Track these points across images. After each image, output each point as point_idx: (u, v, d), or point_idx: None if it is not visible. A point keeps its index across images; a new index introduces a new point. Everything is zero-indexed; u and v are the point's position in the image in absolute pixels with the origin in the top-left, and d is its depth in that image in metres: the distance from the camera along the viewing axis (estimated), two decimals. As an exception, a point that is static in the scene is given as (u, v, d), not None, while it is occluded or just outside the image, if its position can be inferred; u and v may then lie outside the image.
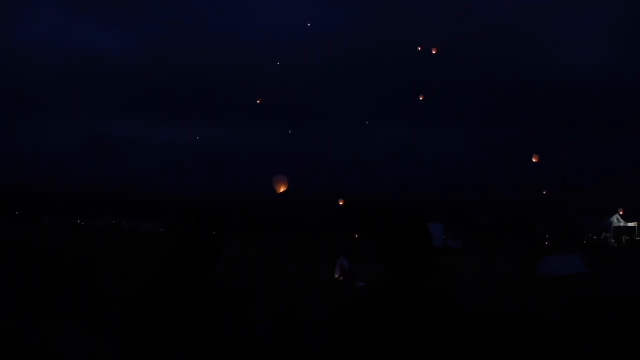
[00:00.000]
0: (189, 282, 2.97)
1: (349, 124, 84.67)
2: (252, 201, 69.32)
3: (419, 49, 41.18)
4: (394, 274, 2.15)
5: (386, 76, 73.43)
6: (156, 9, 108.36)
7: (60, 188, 74.14)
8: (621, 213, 48.97)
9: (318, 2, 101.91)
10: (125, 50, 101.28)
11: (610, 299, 13.00)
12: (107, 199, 76.07)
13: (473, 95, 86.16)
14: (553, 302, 13.28)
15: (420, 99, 45.87)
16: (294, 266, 21.69)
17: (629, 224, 51.98)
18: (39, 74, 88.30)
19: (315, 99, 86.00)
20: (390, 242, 2.17)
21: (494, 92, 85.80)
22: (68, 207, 70.40)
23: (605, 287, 15.68)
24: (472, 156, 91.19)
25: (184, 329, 2.80)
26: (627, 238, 47.86)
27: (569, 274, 18.77)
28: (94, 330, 8.55)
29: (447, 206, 66.10)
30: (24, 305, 10.53)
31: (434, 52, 38.57)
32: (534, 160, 37.59)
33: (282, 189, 23.17)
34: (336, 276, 17.59)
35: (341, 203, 41.60)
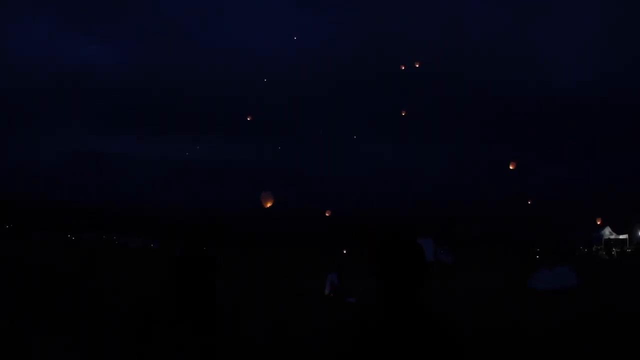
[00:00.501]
0: (188, 299, 2.92)
1: (337, 139, 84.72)
2: (239, 217, 69.17)
3: (402, 67, 41.52)
4: (387, 288, 2.15)
5: (375, 92, 73.76)
6: (143, 24, 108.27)
7: (51, 203, 73.50)
8: (599, 222, 48.91)
9: (305, 16, 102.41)
10: (113, 65, 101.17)
11: (602, 314, 12.94)
12: (97, 214, 75.57)
13: (463, 111, 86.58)
14: (545, 317, 13.20)
15: (403, 114, 46.23)
16: (285, 283, 21.56)
17: (621, 237, 52.16)
18: (26, 87, 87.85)
19: (303, 115, 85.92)
20: (385, 256, 2.16)
21: (483, 109, 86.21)
22: (59, 222, 69.89)
23: (597, 300, 15.62)
24: (462, 172, 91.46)
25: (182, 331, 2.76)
26: (618, 250, 47.94)
27: (560, 287, 18.71)
28: (86, 345, 8.44)
29: (438, 221, 66.10)
30: (18, 321, 10.42)
31: (417, 65, 38.81)
32: (510, 167, 37.72)
33: (268, 204, 24.26)
34: (326, 292, 17.52)
35: (328, 214, 41.62)
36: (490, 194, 74.01)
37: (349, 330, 2.14)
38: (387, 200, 78.19)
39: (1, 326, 9.78)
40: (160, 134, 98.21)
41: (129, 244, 60.06)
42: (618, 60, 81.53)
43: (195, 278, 5.41)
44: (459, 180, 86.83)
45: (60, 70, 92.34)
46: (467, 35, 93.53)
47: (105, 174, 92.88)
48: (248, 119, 46.20)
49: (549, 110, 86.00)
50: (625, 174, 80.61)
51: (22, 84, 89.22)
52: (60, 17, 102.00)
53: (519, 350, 9.13)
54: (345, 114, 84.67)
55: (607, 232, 52.57)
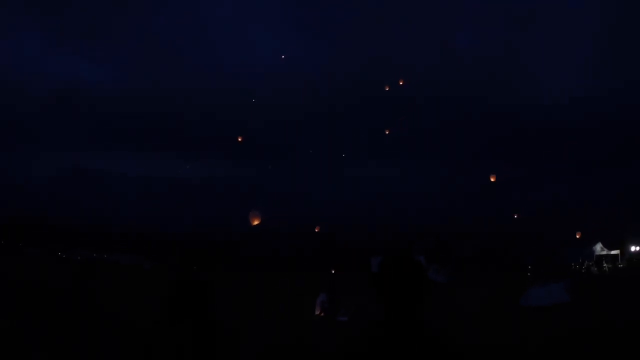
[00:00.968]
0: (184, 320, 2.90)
1: (325, 160, 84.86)
2: (228, 238, 69.02)
3: (387, 88, 41.89)
4: (390, 305, 2.20)
5: (364, 113, 74.08)
6: (135, 43, 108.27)
7: (42, 220, 72.98)
8: (578, 236, 48.89)
9: (295, 38, 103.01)
10: (104, 83, 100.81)
11: (594, 329, 12.91)
12: (89, 232, 75.12)
13: (453, 131, 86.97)
14: (538, 333, 13.18)
15: (387, 132, 46.53)
16: (276, 303, 21.51)
17: (612, 252, 52.15)
18: (17, 104, 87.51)
19: (292, 135, 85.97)
20: (387, 276, 2.21)
21: (472, 127, 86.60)
22: (51, 239, 69.42)
23: (589, 316, 15.60)
24: (452, 190, 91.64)
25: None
26: (610, 266, 47.95)
27: (552, 303, 18.68)
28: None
29: (429, 239, 66.06)
30: (10, 335, 10.45)
31: (401, 83, 39.10)
32: (491, 179, 37.87)
33: (255, 222, 25.63)
34: (317, 312, 17.47)
35: (317, 230, 41.71)
36: (481, 212, 74.10)
37: (355, 347, 2.17)
38: (379, 219, 78.13)
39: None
40: (153, 151, 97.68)
41: (121, 262, 59.73)
42: (611, 76, 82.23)
43: (191, 303, 5.38)
44: (450, 198, 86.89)
45: (51, 86, 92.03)
46: (458, 54, 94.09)
47: (97, 192, 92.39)
48: (239, 139, 46.31)
49: (540, 127, 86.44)
50: (616, 190, 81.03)
51: (13, 100, 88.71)
52: (51, 33, 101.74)
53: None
54: (336, 134, 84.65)
55: (599, 248, 52.55)
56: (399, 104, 73.45)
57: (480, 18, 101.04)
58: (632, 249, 53.54)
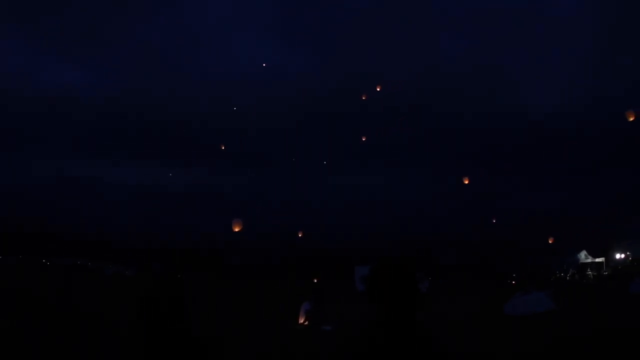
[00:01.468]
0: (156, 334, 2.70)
1: (309, 169, 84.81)
2: (211, 246, 68.77)
3: (363, 97, 41.75)
4: (387, 312, 2.24)
5: (347, 120, 73.69)
6: (120, 50, 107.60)
7: (25, 227, 72.02)
8: (551, 242, 48.65)
9: (278, 47, 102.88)
10: (92, 90, 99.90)
11: (578, 338, 12.65)
12: (72, 238, 74.27)
13: (437, 140, 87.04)
14: (521, 342, 12.94)
15: (363, 139, 46.49)
16: (260, 312, 21.35)
17: (597, 260, 52.14)
18: (3, 111, 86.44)
19: (274, 143, 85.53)
20: (386, 280, 2.27)
21: (457, 136, 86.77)
22: (33, 246, 68.53)
23: (573, 324, 15.39)
24: (436, 199, 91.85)
25: None
26: (595, 274, 47.88)
27: (537, 312, 18.48)
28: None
29: (412, 248, 65.81)
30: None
31: (378, 89, 38.90)
32: (465, 182, 37.74)
33: (237, 229, 26.74)
34: (301, 321, 17.29)
35: (300, 235, 41.56)
36: (465, 220, 74.09)
37: (354, 347, 2.23)
38: (361, 228, 78.03)
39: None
40: (135, 158, 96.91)
41: (105, 270, 59.91)
42: (599, 85, 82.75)
43: (165, 312, 4.80)
44: (433, 207, 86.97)
45: (36, 94, 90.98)
46: (442, 62, 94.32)
47: (79, 199, 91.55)
48: (222, 147, 46.13)
49: (523, 136, 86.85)
50: (600, 198, 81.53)
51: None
52: (34, 41, 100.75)
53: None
54: (318, 143, 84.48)
55: (583, 255, 52.56)
56: (382, 112, 73.51)
57: (466, 25, 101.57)
58: (617, 256, 53.59)
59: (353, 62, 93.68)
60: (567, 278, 49.82)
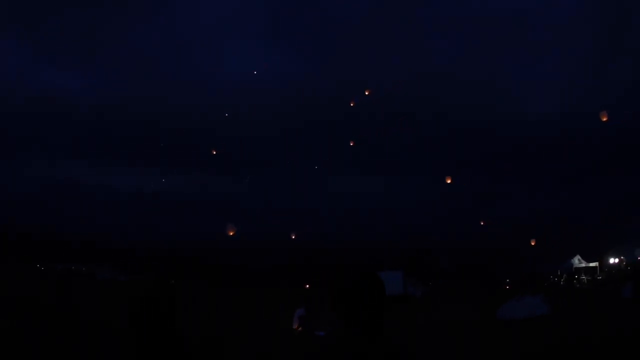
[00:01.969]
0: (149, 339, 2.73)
1: (304, 173, 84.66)
2: (204, 251, 68.73)
3: (352, 104, 41.95)
4: (350, 325, 2.19)
5: (340, 125, 73.67)
6: (112, 54, 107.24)
7: (18, 232, 71.65)
8: (533, 244, 48.66)
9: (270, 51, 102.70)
10: (80, 94, 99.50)
11: (571, 342, 12.59)
12: (65, 244, 73.95)
13: (430, 144, 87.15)
14: (514, 346, 12.89)
15: (351, 144, 46.72)
16: (253, 318, 21.26)
17: (591, 264, 52.21)
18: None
19: (267, 148, 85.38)
20: (348, 295, 2.21)
21: (449, 141, 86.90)
22: (28, 251, 68.24)
23: (567, 329, 15.28)
24: (430, 205, 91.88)
25: None
26: (589, 278, 47.94)
27: (530, 316, 18.41)
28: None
29: (407, 254, 65.84)
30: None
31: (367, 93, 39.06)
32: (447, 181, 37.85)
33: (231, 233, 27.74)
34: (295, 327, 17.29)
35: (293, 237, 41.64)
36: (459, 227, 74.10)
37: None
38: (356, 232, 77.91)
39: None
40: (128, 165, 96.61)
41: (97, 276, 59.13)
42: (593, 92, 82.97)
43: (155, 318, 4.81)
44: (428, 212, 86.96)
45: (28, 97, 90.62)
46: (435, 67, 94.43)
47: (72, 203, 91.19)
48: (213, 152, 46.19)
49: (516, 143, 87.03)
50: (595, 203, 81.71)
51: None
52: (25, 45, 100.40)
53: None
54: (314, 147, 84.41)
55: (577, 260, 52.70)
56: (375, 118, 73.62)
57: (459, 33, 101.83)
58: (611, 261, 53.67)
59: (346, 68, 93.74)
60: (561, 283, 49.89)
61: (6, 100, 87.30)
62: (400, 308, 27.43)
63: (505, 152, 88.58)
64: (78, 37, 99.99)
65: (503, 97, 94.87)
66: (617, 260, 53.37)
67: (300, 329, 17.12)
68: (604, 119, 26.92)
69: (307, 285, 43.38)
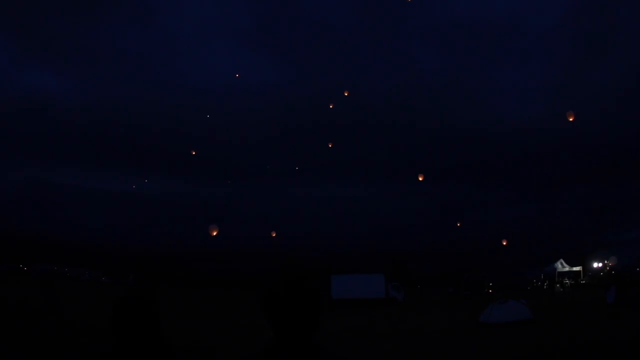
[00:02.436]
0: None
1: (285, 179, 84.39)
2: (184, 254, 68.40)
3: (331, 106, 41.63)
4: (279, 332, 2.08)
5: (322, 130, 73.23)
6: (96, 57, 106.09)
7: (2, 233, 70.72)
8: (505, 243, 48.38)
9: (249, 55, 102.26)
10: (63, 97, 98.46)
11: (554, 345, 12.51)
12: (49, 245, 73.18)
13: (413, 150, 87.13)
14: (496, 349, 12.72)
15: (330, 145, 46.59)
16: (237, 322, 21.13)
17: (574, 269, 52.01)
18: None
19: (248, 153, 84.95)
20: (276, 301, 2.10)
21: (432, 148, 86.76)
22: (10, 253, 67.40)
23: (549, 333, 15.21)
24: (414, 210, 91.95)
25: None
26: (572, 282, 47.68)
27: (513, 320, 18.12)
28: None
29: (390, 258, 65.61)
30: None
31: (346, 94, 38.72)
32: (420, 179, 37.54)
33: (214, 233, 27.27)
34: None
35: (274, 235, 41.27)
36: (443, 232, 74.06)
37: None
38: (339, 237, 77.74)
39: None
40: (110, 167, 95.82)
41: (81, 277, 60.44)
42: (572, 98, 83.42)
43: (136, 322, 4.37)
44: (411, 219, 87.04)
45: (11, 98, 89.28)
46: (418, 76, 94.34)
47: (55, 206, 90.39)
48: (192, 153, 45.83)
49: (498, 150, 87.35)
50: (577, 208, 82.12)
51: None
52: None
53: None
54: (294, 154, 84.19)
55: (559, 265, 52.48)
56: (354, 125, 73.57)
57: (442, 43, 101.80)
58: (594, 265, 53.50)
59: (326, 75, 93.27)
60: (544, 287, 49.70)
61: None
62: (383, 311, 27.10)
63: (489, 159, 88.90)
64: (60, 39, 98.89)
65: (486, 103, 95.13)
66: (601, 264, 53.21)
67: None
68: (571, 119, 26.77)
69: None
